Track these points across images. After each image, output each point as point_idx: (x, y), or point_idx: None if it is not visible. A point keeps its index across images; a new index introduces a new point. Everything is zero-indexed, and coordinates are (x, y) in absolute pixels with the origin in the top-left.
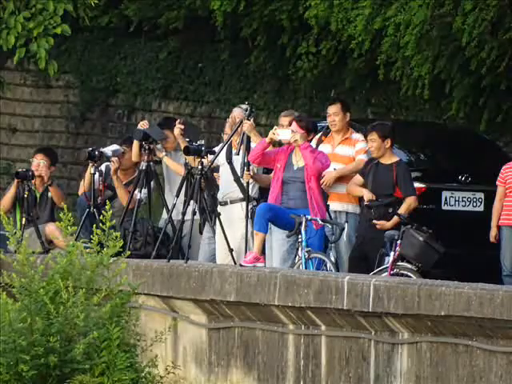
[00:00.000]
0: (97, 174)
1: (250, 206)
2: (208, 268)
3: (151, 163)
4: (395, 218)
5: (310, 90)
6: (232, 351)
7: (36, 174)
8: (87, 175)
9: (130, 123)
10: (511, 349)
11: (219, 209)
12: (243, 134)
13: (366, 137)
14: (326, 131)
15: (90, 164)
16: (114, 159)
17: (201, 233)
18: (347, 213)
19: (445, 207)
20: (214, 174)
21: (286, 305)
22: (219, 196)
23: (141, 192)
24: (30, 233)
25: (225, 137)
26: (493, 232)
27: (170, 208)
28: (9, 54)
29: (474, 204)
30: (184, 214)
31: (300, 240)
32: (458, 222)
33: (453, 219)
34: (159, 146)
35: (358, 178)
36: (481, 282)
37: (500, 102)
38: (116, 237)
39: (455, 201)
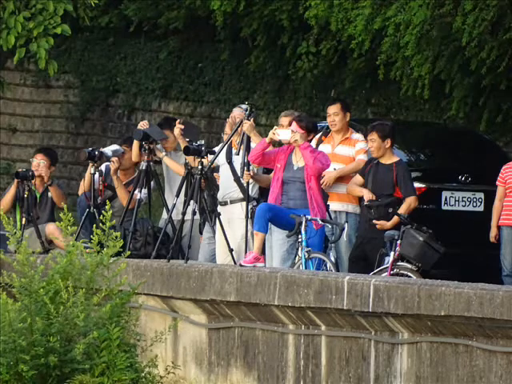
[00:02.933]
0: (97, 174)
1: (250, 206)
2: (208, 268)
3: (151, 163)
4: (395, 218)
5: (310, 90)
6: (232, 351)
7: (36, 174)
8: (87, 175)
9: (130, 123)
10: (511, 349)
11: (219, 209)
12: (243, 134)
13: (365, 137)
14: (326, 131)
15: (90, 164)
16: (114, 159)
17: (201, 233)
18: (347, 213)
19: (445, 207)
20: (214, 174)
21: (286, 305)
22: (219, 196)
23: (141, 192)
24: (30, 233)
25: (225, 137)
26: (493, 232)
27: (170, 208)
28: (9, 54)
29: (474, 204)
30: (184, 214)
31: (300, 240)
32: (458, 222)
33: (453, 219)
34: (159, 146)
35: (358, 178)
36: (481, 282)
37: (500, 102)
38: (116, 237)
39: (455, 201)
